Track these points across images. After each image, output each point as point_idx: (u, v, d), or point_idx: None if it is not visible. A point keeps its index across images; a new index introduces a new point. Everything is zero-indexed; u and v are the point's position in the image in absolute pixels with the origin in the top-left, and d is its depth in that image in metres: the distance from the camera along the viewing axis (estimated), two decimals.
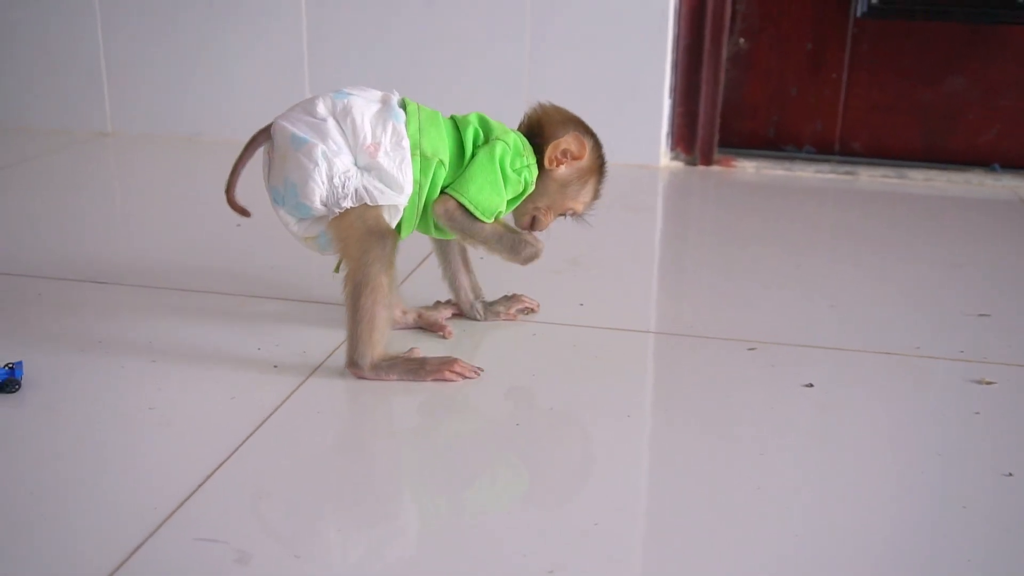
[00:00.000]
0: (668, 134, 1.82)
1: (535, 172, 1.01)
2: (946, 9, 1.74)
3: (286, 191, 0.94)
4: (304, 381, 0.96)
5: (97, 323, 1.08)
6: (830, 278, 1.30)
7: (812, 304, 1.19)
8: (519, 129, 1.05)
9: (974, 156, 1.79)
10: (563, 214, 1.06)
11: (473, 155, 0.99)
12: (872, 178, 1.80)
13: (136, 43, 1.92)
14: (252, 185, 1.00)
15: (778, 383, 0.97)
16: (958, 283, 1.27)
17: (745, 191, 1.72)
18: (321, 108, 0.95)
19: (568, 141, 1.01)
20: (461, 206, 0.97)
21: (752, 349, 1.04)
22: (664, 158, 1.83)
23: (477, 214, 0.97)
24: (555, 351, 1.04)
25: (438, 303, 1.12)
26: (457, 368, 0.96)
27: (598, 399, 0.94)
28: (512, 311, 1.11)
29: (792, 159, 1.84)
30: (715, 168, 1.83)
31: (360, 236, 0.93)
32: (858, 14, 1.77)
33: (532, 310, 1.12)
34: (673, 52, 1.77)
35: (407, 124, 0.96)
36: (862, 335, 1.09)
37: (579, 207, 1.05)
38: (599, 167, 1.05)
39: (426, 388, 0.95)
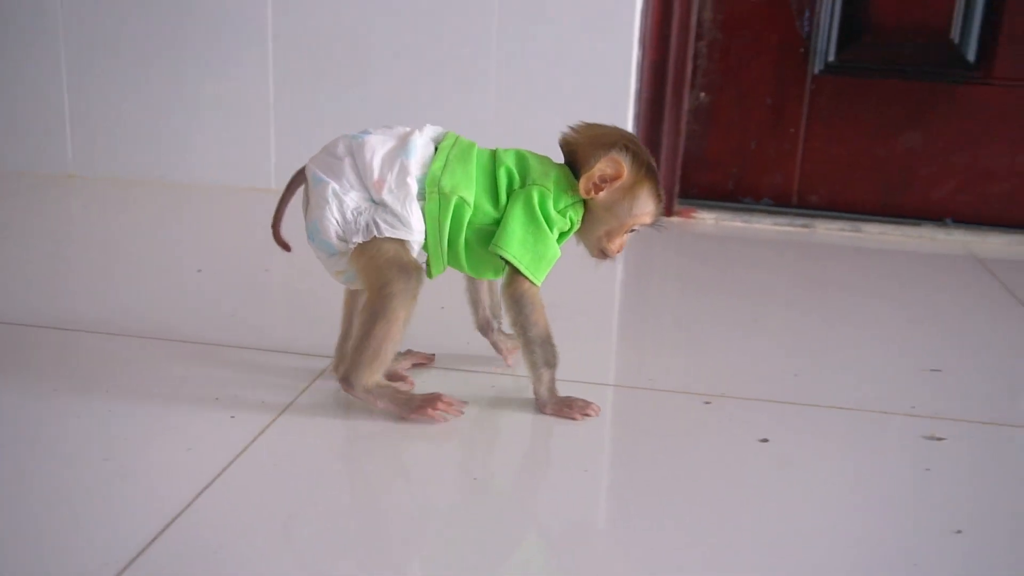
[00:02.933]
0: None
1: (581, 209, 1.00)
2: (901, 67, 1.79)
3: (312, 228, 0.98)
4: (262, 432, 0.95)
5: (52, 370, 1.07)
6: (787, 331, 1.32)
7: (769, 357, 1.21)
8: (563, 153, 1.02)
9: (928, 211, 1.84)
10: (632, 230, 1.03)
11: (508, 202, 0.97)
12: (829, 231, 1.83)
13: (101, 86, 1.92)
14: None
15: (734, 437, 0.99)
16: (911, 338, 1.30)
17: (705, 242, 1.75)
18: (340, 148, 0.98)
19: (600, 168, 0.97)
20: (530, 288, 0.97)
21: (708, 403, 1.06)
22: None
23: (522, 268, 0.96)
24: (514, 402, 1.05)
25: (397, 353, 1.12)
26: (440, 406, 0.97)
27: (555, 451, 0.95)
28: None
29: (751, 211, 1.87)
30: (675, 219, 1.86)
31: (380, 266, 0.95)
32: (816, 71, 1.82)
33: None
34: (635, 105, 1.80)
35: (434, 160, 0.97)
36: (817, 389, 1.11)
37: (645, 219, 1.02)
38: (646, 174, 0.99)
39: (388, 440, 0.95)
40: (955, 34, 1.77)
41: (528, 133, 1.79)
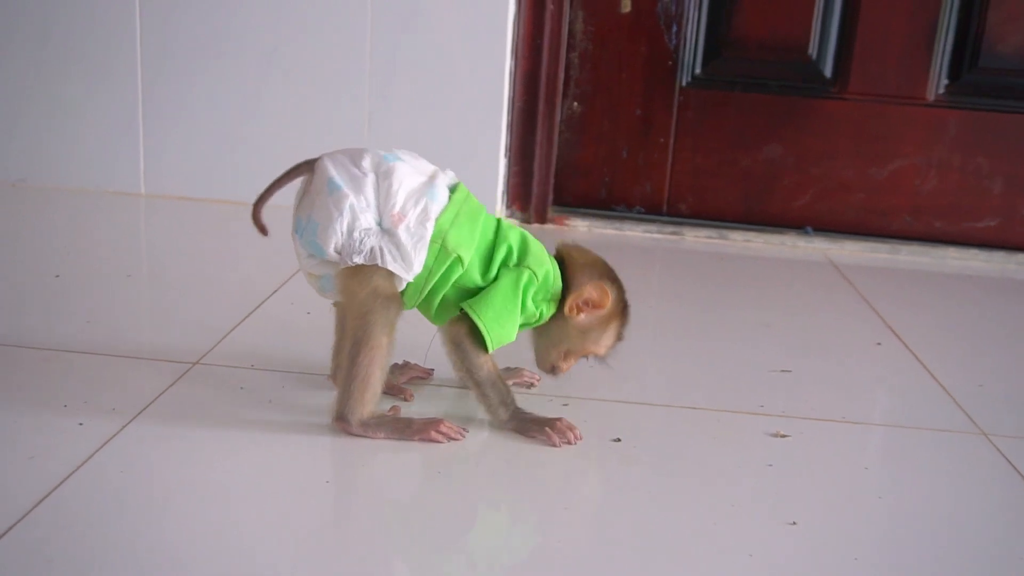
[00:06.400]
0: (504, 192, 1.87)
1: (552, 309, 1.02)
2: (763, 82, 1.86)
3: (307, 226, 0.96)
4: (111, 439, 0.93)
5: None
6: (649, 335, 1.36)
7: (627, 360, 1.23)
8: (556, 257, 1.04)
9: (789, 219, 1.91)
10: (584, 357, 1.06)
11: (498, 275, 0.99)
12: (696, 239, 1.89)
13: None
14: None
15: (588, 437, 1.01)
16: (767, 340, 1.35)
17: None
18: (366, 162, 0.96)
19: (590, 291, 1.00)
20: (471, 334, 0.97)
21: (566, 404, 1.08)
22: (500, 216, 1.87)
23: (487, 338, 0.97)
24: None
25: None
26: (443, 428, 0.97)
27: (429, 452, 0.95)
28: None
29: (623, 219, 1.92)
30: (549, 226, 1.89)
31: (368, 294, 0.95)
32: (683, 83, 1.87)
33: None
34: (508, 114, 1.82)
35: (444, 210, 0.96)
36: (671, 391, 1.14)
37: (601, 351, 1.05)
38: (621, 311, 1.04)
39: (240, 448, 0.94)
40: (813, 51, 1.84)
41: (401, 141, 1.80)
